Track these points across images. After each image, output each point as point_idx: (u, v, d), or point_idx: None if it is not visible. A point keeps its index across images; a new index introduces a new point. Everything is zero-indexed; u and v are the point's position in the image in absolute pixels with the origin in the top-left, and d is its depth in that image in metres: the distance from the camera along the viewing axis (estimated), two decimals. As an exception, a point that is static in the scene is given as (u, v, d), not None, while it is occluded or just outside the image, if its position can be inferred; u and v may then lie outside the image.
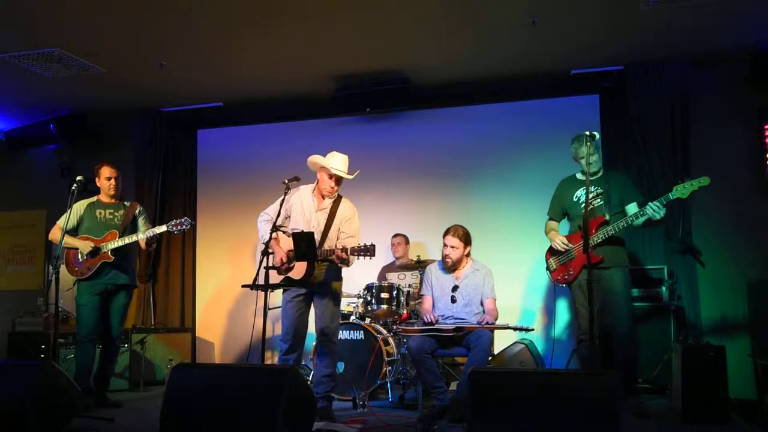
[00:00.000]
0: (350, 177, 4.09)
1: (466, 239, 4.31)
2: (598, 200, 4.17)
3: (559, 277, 4.26)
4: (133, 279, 4.74)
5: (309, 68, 5.47)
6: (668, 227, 5.10)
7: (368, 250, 3.73)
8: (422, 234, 5.87)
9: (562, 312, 5.35)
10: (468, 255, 4.36)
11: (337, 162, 4.05)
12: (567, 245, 4.19)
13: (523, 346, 4.57)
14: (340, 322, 4.81)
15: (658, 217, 3.90)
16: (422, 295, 4.48)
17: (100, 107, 6.37)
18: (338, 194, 4.17)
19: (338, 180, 4.07)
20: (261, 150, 6.42)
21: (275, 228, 3.89)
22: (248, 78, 5.68)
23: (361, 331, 4.80)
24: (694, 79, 5.23)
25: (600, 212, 4.12)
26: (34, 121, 6.61)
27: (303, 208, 4.12)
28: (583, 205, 3.83)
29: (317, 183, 4.16)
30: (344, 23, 4.64)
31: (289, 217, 4.16)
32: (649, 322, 4.82)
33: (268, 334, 5.56)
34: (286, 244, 4.02)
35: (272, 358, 5.98)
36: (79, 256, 4.53)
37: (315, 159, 4.12)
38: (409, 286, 5.19)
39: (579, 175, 4.31)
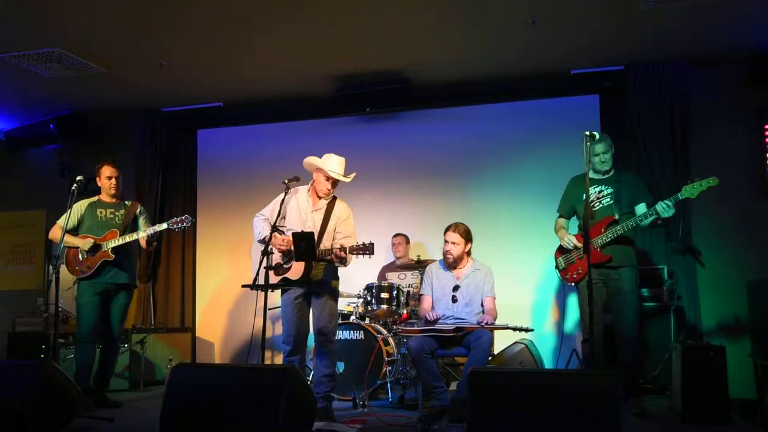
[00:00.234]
0: (347, 180, 4.09)
1: (467, 236, 4.31)
2: (608, 199, 4.16)
3: (567, 276, 4.26)
4: (133, 279, 4.75)
5: (309, 68, 5.46)
6: (668, 227, 5.09)
7: (367, 249, 3.74)
8: (422, 234, 5.87)
9: (571, 310, 5.32)
10: (469, 253, 4.36)
11: (333, 164, 4.05)
12: (575, 243, 4.19)
13: (523, 346, 4.56)
14: (340, 322, 4.81)
15: (667, 215, 3.90)
16: (421, 294, 4.48)
17: (100, 107, 6.37)
18: (333, 195, 4.17)
19: (335, 182, 4.07)
20: (261, 150, 6.41)
21: (275, 228, 3.89)
22: (248, 78, 5.68)
23: (361, 331, 4.80)
24: (694, 79, 5.22)
25: (610, 211, 4.11)
26: (34, 121, 6.61)
27: (299, 208, 4.12)
28: (593, 203, 3.82)
29: (312, 184, 4.16)
30: (344, 23, 4.64)
31: (284, 217, 4.15)
32: (650, 323, 4.83)
33: (268, 334, 5.56)
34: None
35: (272, 358, 5.99)
36: (80, 255, 4.53)
37: (311, 160, 4.12)
38: (410, 286, 5.19)
39: (591, 174, 4.30)
